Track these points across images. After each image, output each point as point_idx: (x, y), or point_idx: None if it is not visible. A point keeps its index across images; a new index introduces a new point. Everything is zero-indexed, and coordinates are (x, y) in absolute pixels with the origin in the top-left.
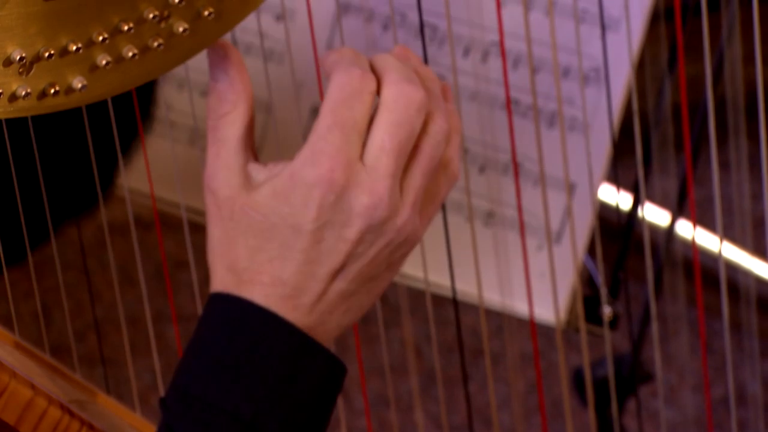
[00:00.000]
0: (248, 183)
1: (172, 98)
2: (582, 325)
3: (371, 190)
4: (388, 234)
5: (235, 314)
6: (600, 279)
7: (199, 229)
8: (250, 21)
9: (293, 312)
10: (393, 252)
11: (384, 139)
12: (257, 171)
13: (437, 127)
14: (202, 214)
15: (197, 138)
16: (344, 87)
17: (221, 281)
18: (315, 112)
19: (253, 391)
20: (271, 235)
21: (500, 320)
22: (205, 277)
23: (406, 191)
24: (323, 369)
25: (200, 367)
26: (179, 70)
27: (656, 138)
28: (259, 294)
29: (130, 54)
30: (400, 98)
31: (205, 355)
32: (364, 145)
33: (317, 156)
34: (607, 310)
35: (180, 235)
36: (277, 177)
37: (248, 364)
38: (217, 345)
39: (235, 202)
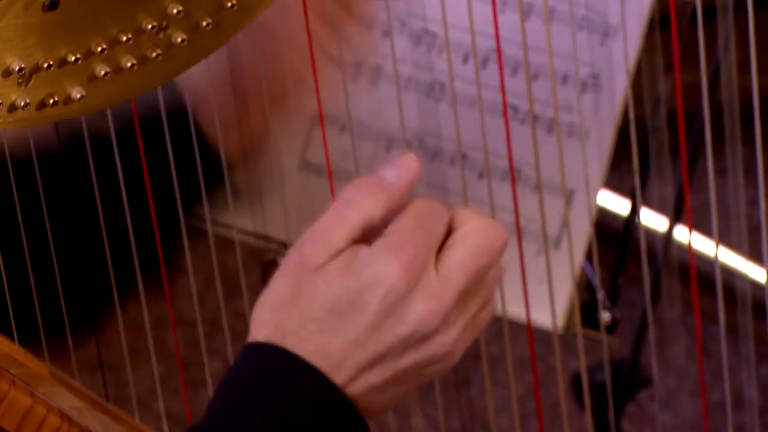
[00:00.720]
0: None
1: None
2: (579, 329)
3: (439, 298)
4: (434, 346)
5: (282, 364)
6: (598, 284)
7: (198, 234)
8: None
9: None
10: (427, 366)
11: (465, 259)
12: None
13: (500, 270)
14: (201, 218)
15: None
16: (430, 204)
17: (267, 336)
18: (315, 119)
19: None
20: (329, 307)
21: (499, 325)
22: (205, 282)
23: (462, 314)
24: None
25: (241, 408)
26: None
27: (654, 144)
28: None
29: (129, 64)
30: (490, 231)
31: (247, 398)
32: (436, 261)
33: (401, 246)
34: (605, 315)
35: (179, 239)
36: (355, 252)
37: (291, 414)
38: (260, 390)
39: (311, 272)
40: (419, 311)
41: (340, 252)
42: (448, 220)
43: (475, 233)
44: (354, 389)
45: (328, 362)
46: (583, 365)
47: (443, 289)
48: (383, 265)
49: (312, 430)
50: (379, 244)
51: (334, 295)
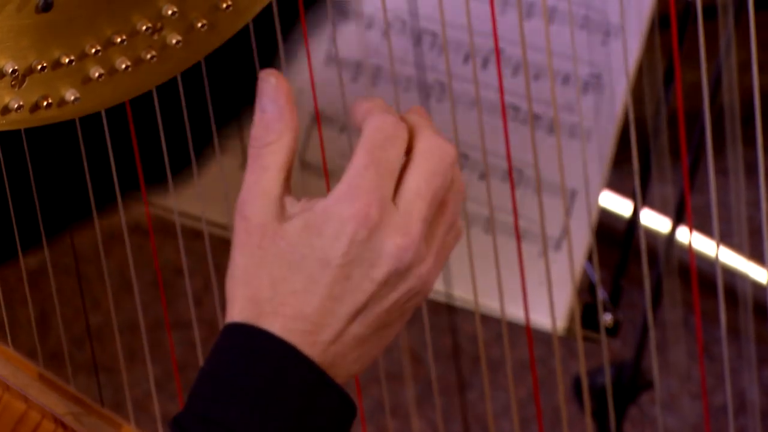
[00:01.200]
0: (282, 214)
1: None
2: (580, 332)
3: (405, 232)
4: (411, 279)
5: (257, 345)
6: (599, 286)
7: (195, 236)
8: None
9: (311, 348)
10: (409, 299)
11: (420, 185)
12: (292, 204)
13: (460, 184)
14: (198, 220)
15: None
16: (380, 130)
17: (240, 311)
18: (314, 118)
19: (272, 422)
20: (298, 267)
21: (499, 327)
22: (203, 285)
23: (430, 241)
24: (338, 407)
25: (220, 393)
26: None
27: (655, 145)
28: (280, 327)
29: (123, 66)
30: (437, 149)
31: (225, 383)
32: (395, 189)
33: (353, 191)
34: (606, 318)
35: (177, 241)
36: (311, 210)
37: (268, 394)
38: (238, 374)
39: (267, 231)
40: (388, 250)
41: (280, 197)
42: (403, 141)
43: (424, 155)
44: (341, 345)
45: (310, 323)
46: (583, 368)
47: (407, 221)
48: (341, 215)
49: (293, 408)
50: (334, 193)
51: (299, 254)
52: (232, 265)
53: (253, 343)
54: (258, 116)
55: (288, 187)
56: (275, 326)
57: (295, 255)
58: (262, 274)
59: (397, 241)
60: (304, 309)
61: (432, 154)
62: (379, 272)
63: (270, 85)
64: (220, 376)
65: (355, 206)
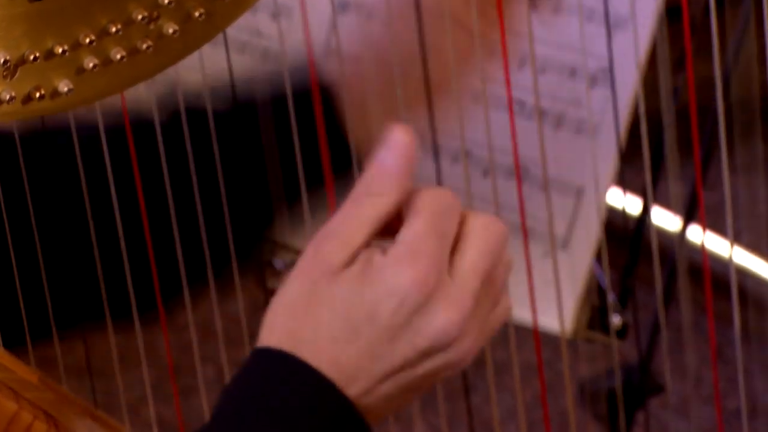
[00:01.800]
0: (351, 266)
1: None
2: (588, 334)
3: (457, 307)
4: (450, 353)
5: (292, 370)
6: (608, 286)
7: None
8: (244, 19)
9: None
10: (441, 372)
11: (476, 261)
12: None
13: (508, 264)
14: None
15: None
16: (440, 199)
17: (278, 341)
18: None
19: None
20: (344, 316)
21: (505, 329)
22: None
23: (476, 318)
24: None
25: (245, 417)
26: None
27: (666, 140)
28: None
29: (119, 56)
30: (492, 226)
31: (252, 406)
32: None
33: (413, 255)
34: (615, 319)
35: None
36: (369, 262)
37: (297, 423)
38: (267, 397)
39: (329, 273)
40: (438, 323)
41: (358, 251)
42: (459, 214)
43: (479, 232)
44: (367, 400)
45: (342, 374)
46: (591, 371)
47: (461, 296)
48: (397, 276)
49: None
50: (392, 252)
51: (350, 303)
52: (284, 290)
53: (287, 369)
54: (375, 164)
55: (370, 243)
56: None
57: (343, 302)
58: (308, 312)
59: (449, 315)
60: (340, 358)
61: (488, 230)
62: (423, 342)
63: (399, 140)
64: (247, 397)
65: (414, 269)
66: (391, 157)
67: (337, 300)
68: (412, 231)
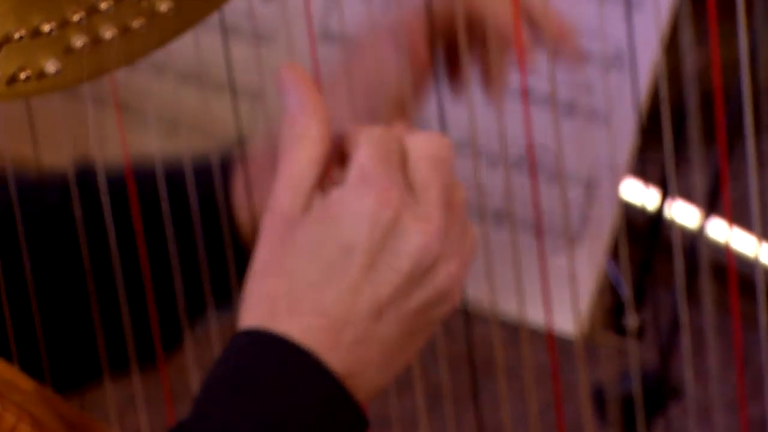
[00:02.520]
0: (310, 208)
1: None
2: (603, 336)
3: (428, 219)
4: (438, 278)
5: (273, 353)
6: (624, 285)
7: None
8: (239, 0)
9: (332, 351)
10: (435, 306)
11: (430, 174)
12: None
13: (461, 188)
14: None
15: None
16: (376, 130)
17: (254, 310)
18: None
19: None
20: (315, 257)
21: (515, 331)
22: None
23: (449, 241)
24: (351, 425)
25: (231, 403)
26: None
27: (686, 129)
28: (298, 329)
29: (109, 35)
30: (435, 140)
31: (233, 391)
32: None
33: (368, 178)
34: (632, 320)
35: None
36: (327, 198)
37: (283, 407)
38: (251, 383)
39: (290, 224)
40: (416, 238)
41: (311, 193)
42: (399, 138)
43: (423, 145)
44: (365, 347)
45: (329, 319)
46: (606, 375)
47: (427, 209)
48: (360, 200)
49: (304, 421)
50: (348, 182)
51: (319, 243)
52: (255, 263)
53: (268, 352)
54: (286, 111)
55: (322, 183)
56: (293, 329)
57: (312, 244)
58: (279, 269)
59: (422, 228)
60: (322, 302)
61: (432, 143)
62: (405, 263)
63: (291, 78)
64: (228, 383)
65: (375, 189)
66: (294, 96)
67: (306, 244)
68: (359, 160)
